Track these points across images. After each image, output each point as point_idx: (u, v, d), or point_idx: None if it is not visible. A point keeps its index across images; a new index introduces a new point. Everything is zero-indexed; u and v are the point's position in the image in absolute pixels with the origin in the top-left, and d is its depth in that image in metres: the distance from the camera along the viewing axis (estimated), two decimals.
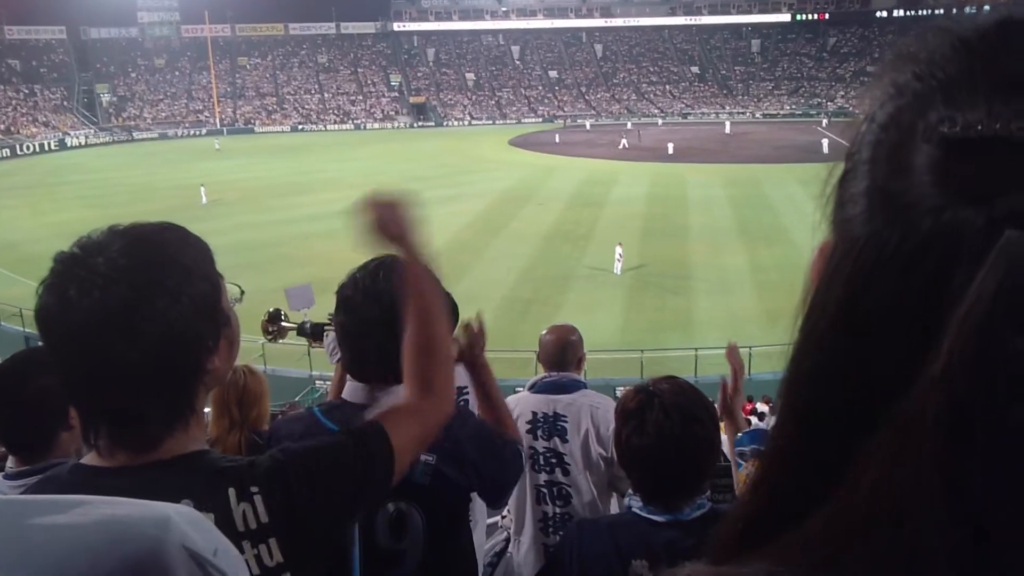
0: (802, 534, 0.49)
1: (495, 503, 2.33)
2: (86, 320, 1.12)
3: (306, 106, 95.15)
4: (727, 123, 74.30)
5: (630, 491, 2.05)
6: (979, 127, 0.44)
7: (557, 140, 66.25)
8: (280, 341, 3.20)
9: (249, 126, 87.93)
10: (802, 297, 0.53)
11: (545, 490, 3.29)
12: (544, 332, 3.49)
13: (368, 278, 1.99)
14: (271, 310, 3.08)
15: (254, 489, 1.26)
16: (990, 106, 0.44)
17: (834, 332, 0.49)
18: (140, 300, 1.14)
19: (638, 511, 1.97)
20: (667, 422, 1.89)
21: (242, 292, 1.40)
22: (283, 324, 3.04)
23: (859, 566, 0.45)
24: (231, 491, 1.25)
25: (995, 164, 0.43)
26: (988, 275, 0.41)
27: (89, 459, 1.24)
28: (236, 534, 1.23)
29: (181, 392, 1.22)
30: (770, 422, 13.81)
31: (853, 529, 0.45)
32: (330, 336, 2.84)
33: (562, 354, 3.38)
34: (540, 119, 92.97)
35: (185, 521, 0.83)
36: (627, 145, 59.22)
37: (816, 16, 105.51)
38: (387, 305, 1.91)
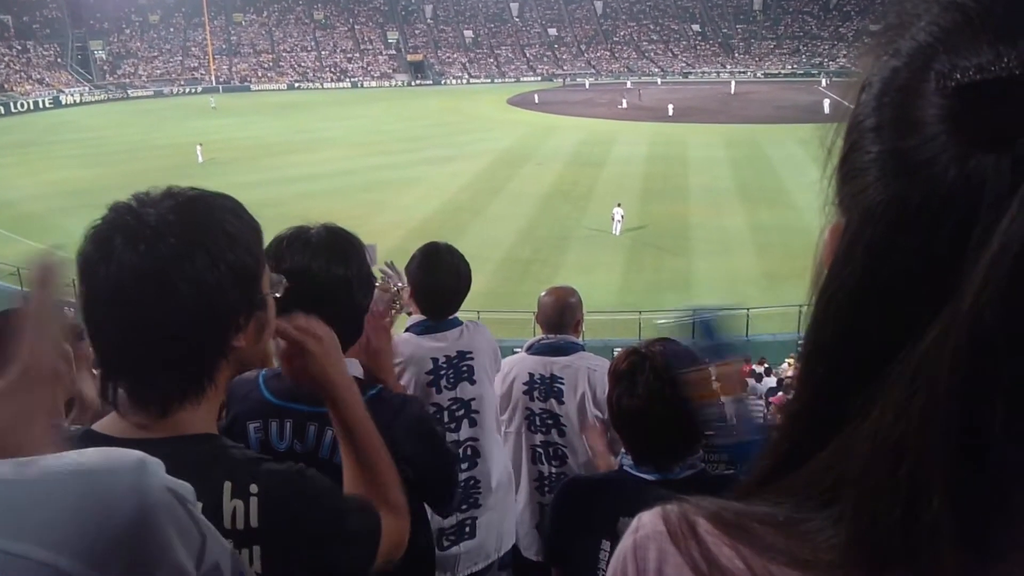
0: (808, 470, 0.52)
1: (440, 506, 2.21)
2: (125, 270, 1.13)
3: (302, 64, 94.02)
4: (732, 83, 73.39)
5: (623, 450, 2.07)
6: (991, 69, 0.44)
7: (536, 100, 65.12)
8: None
9: (245, 84, 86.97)
10: (814, 277, 0.54)
11: (541, 450, 3.32)
12: (543, 293, 3.50)
13: (276, 261, 1.83)
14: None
15: (254, 489, 1.22)
16: (996, 49, 0.44)
17: (854, 301, 0.50)
18: (180, 257, 1.14)
19: (628, 469, 2.00)
20: (657, 384, 1.90)
21: (284, 283, 1.38)
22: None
23: (855, 502, 0.47)
24: (227, 484, 1.22)
25: (1010, 105, 0.43)
26: (1021, 213, 0.41)
27: (101, 425, 1.24)
28: (222, 531, 1.19)
29: (201, 360, 1.21)
30: (767, 383, 13.92)
31: (853, 464, 0.47)
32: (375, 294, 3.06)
33: (560, 316, 3.39)
34: (539, 78, 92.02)
35: (159, 465, 0.82)
36: (626, 105, 58.64)
37: None
38: (300, 284, 1.76)
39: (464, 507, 2.86)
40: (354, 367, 1.98)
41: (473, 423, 2.91)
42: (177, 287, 1.14)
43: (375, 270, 3.35)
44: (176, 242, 1.14)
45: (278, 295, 1.35)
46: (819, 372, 0.54)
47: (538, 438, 3.32)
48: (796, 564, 0.50)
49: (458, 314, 3.03)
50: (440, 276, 2.89)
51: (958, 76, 0.45)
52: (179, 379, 1.20)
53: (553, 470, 3.33)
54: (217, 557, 0.85)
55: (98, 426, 1.24)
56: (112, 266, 1.13)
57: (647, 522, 0.59)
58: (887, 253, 0.47)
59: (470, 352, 2.90)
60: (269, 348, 1.38)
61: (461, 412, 2.89)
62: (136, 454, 0.81)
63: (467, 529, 2.94)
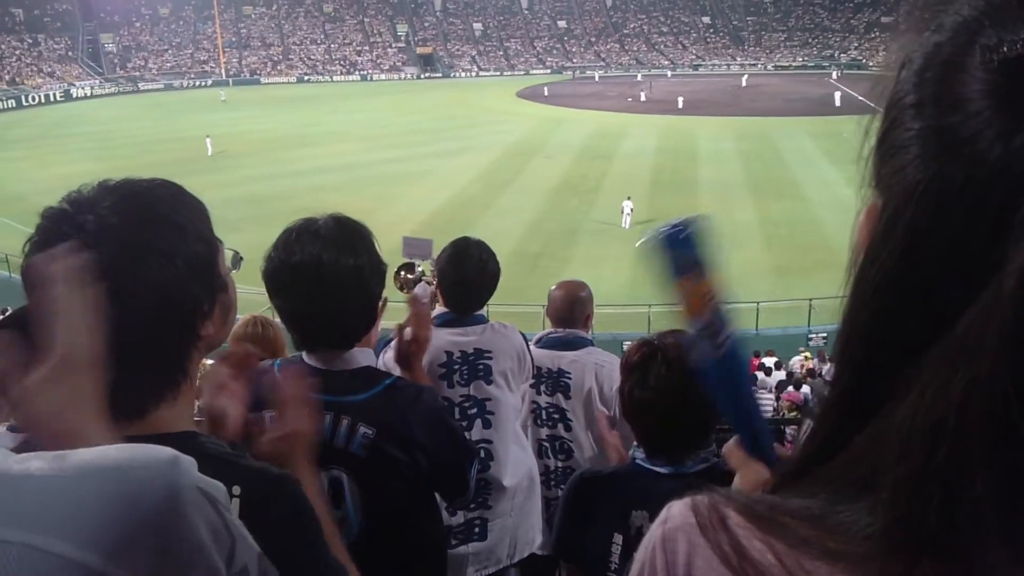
0: (845, 456, 0.51)
1: (455, 498, 2.21)
2: None
3: (312, 57, 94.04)
4: (744, 78, 72.69)
5: (635, 443, 2.06)
6: None
7: (546, 93, 64.93)
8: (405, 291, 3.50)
9: (255, 77, 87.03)
10: (850, 259, 0.53)
11: (547, 444, 3.31)
12: (554, 287, 3.49)
13: (286, 254, 1.87)
14: (405, 263, 3.51)
15: (236, 490, 1.15)
16: None
17: (893, 281, 0.49)
18: (132, 261, 1.07)
19: (641, 462, 1.98)
20: (669, 376, 1.88)
21: (240, 258, 1.34)
22: (409, 276, 3.46)
23: (891, 488, 0.46)
24: None
25: None
26: None
27: None
28: None
29: (173, 357, 1.16)
30: (776, 376, 13.86)
31: (890, 448, 0.46)
32: (420, 286, 3.29)
33: (570, 310, 3.38)
34: (548, 70, 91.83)
35: (191, 464, 0.80)
36: (644, 98, 58.20)
37: None
38: (314, 276, 1.83)
39: (472, 506, 2.85)
40: (366, 356, 1.98)
41: (488, 424, 2.88)
42: (134, 292, 1.08)
43: (427, 264, 3.41)
44: (124, 246, 1.07)
45: (237, 271, 1.31)
46: (857, 355, 0.52)
47: (544, 432, 3.32)
48: (829, 557, 0.49)
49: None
50: (466, 270, 2.88)
51: (1005, 50, 0.43)
52: (151, 382, 1.15)
53: (559, 464, 3.32)
54: (246, 559, 0.84)
55: None
56: None
57: (676, 513, 0.57)
58: (928, 232, 0.46)
59: (489, 352, 2.87)
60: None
61: (474, 411, 2.87)
62: (169, 451, 0.79)
63: (476, 529, 2.92)
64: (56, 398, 0.87)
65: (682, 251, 1.20)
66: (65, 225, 1.08)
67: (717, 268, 1.19)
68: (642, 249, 1.20)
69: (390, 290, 2.11)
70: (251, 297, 2.71)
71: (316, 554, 1.28)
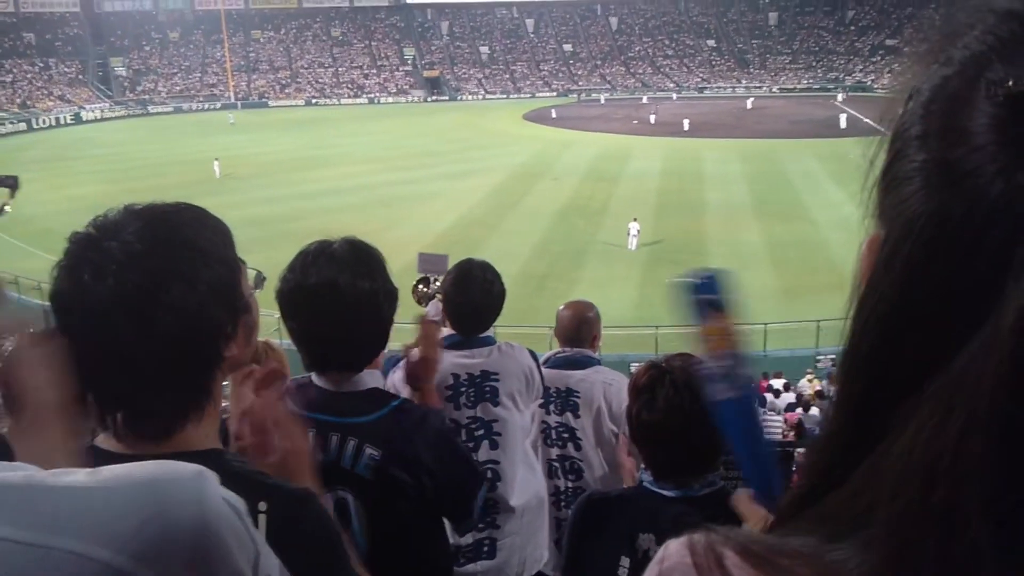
0: (842, 493, 0.50)
1: (459, 521, 2.19)
2: (100, 306, 1.08)
3: (320, 80, 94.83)
4: (749, 100, 72.83)
5: (642, 466, 2.06)
6: None
7: (554, 115, 65.38)
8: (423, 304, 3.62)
9: (263, 100, 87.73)
10: (852, 289, 0.53)
11: (557, 464, 3.31)
12: (561, 307, 3.51)
13: (302, 276, 1.89)
14: (421, 276, 3.74)
15: (262, 507, 1.16)
16: None
17: (892, 314, 0.49)
18: (155, 287, 1.10)
19: (648, 485, 1.98)
20: (677, 398, 1.88)
21: (263, 278, 1.36)
22: (425, 290, 3.62)
23: (886, 525, 0.45)
24: None
25: None
26: None
27: (104, 442, 1.20)
28: None
29: (197, 380, 1.18)
30: (785, 398, 13.80)
31: (884, 489, 0.45)
32: (432, 304, 3.39)
33: (577, 330, 3.39)
34: (554, 93, 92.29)
35: (215, 477, 0.83)
36: (654, 120, 58.34)
37: None
38: (330, 298, 1.84)
39: (480, 526, 2.84)
40: (374, 377, 1.99)
41: (495, 445, 2.87)
42: (158, 317, 1.10)
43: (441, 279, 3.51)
44: (148, 272, 1.10)
45: (260, 290, 1.33)
46: (857, 389, 0.52)
47: (554, 452, 3.31)
48: None
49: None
50: (471, 292, 2.88)
51: (1011, 85, 0.44)
52: (176, 403, 1.16)
53: (569, 484, 3.31)
54: (270, 568, 0.86)
55: (99, 442, 1.20)
56: (87, 301, 1.08)
57: (673, 552, 0.57)
58: (926, 267, 0.46)
59: (496, 374, 2.86)
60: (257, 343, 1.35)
61: (481, 432, 2.86)
62: (193, 466, 0.82)
63: (485, 549, 2.91)
64: (29, 450, 0.92)
65: (706, 296, 1.32)
66: (90, 251, 1.11)
67: (736, 316, 1.28)
68: (671, 290, 1.31)
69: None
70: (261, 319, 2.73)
71: (343, 572, 1.28)
